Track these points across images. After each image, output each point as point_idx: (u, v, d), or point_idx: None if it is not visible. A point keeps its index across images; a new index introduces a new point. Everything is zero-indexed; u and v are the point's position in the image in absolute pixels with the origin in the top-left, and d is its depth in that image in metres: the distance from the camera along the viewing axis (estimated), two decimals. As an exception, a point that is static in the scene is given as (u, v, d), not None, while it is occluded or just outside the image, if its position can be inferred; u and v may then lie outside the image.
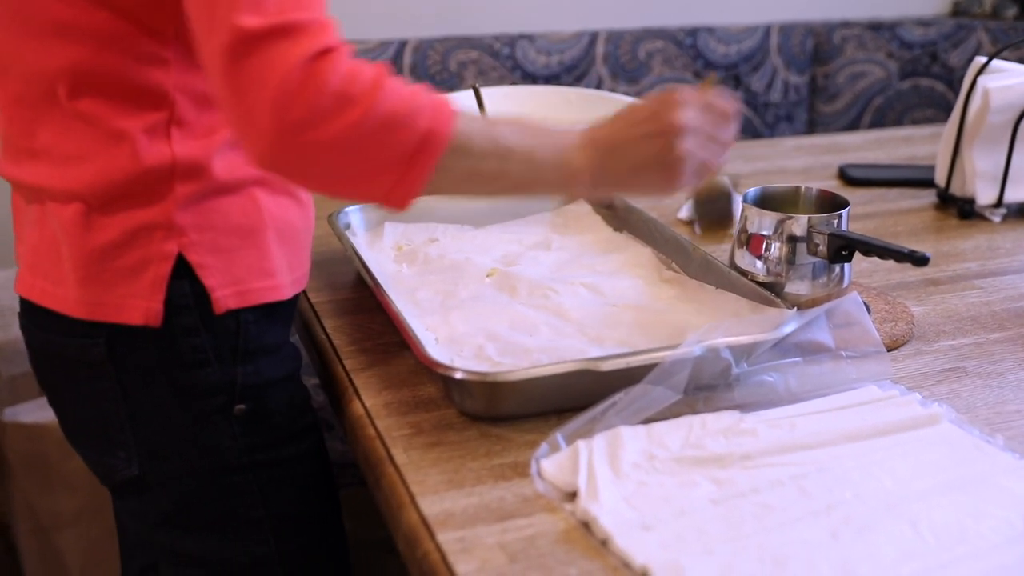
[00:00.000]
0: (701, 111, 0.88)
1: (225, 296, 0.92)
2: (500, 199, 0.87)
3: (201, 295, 0.91)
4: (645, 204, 1.33)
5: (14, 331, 1.67)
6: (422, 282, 1.15)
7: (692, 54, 2.25)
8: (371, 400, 0.95)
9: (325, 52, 0.74)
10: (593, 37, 2.17)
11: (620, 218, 1.30)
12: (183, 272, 0.91)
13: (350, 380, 0.99)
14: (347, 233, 1.21)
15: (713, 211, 1.06)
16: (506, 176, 0.83)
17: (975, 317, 1.14)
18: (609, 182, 0.88)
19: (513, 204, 1.34)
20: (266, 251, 0.95)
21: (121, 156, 0.87)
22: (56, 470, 1.65)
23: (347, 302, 1.17)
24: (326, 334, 1.09)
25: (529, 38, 2.13)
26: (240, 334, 0.94)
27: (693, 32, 2.25)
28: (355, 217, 1.27)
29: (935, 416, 0.90)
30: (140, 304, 0.90)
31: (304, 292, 1.19)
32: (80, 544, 1.69)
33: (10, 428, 1.65)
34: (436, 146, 0.78)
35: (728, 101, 0.91)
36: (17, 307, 0.99)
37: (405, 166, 0.78)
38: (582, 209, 1.35)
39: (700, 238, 1.06)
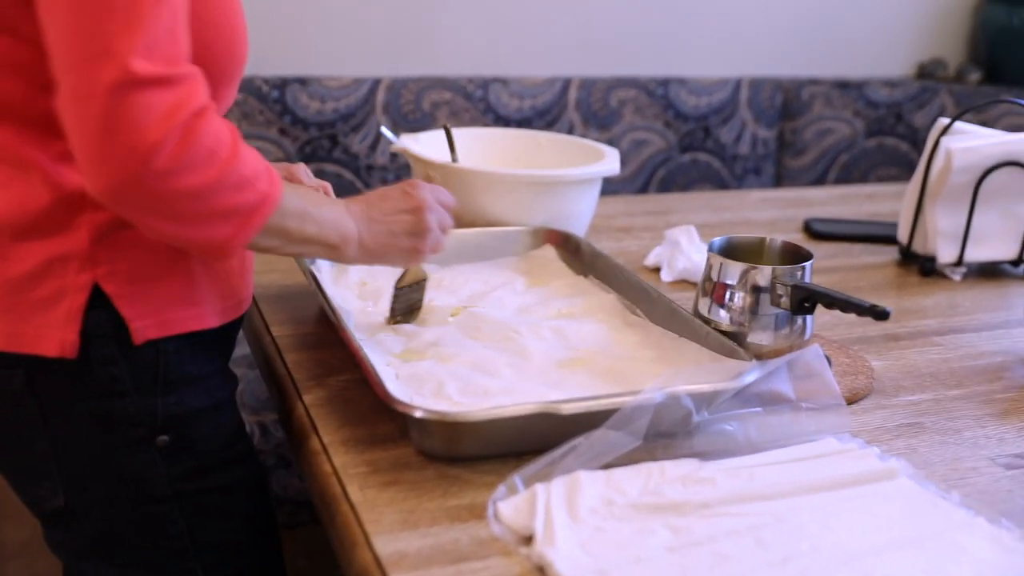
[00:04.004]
0: (434, 196, 1.04)
1: (144, 326, 0.92)
2: (286, 255, 0.99)
3: (119, 325, 0.91)
4: (610, 250, 1.33)
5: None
6: (385, 321, 1.15)
7: (663, 104, 2.27)
8: (329, 436, 0.94)
9: (202, 111, 0.80)
10: (566, 83, 2.19)
11: (585, 263, 1.31)
12: (100, 302, 0.90)
13: (308, 415, 0.98)
14: (312, 268, 1.20)
15: (410, 299, 1.15)
16: (301, 235, 0.92)
17: (934, 373, 1.15)
18: (369, 248, 0.99)
19: (479, 247, 1.34)
20: (190, 280, 0.94)
21: (32, 185, 0.87)
22: (0, 502, 1.61)
23: (310, 336, 1.16)
24: (286, 368, 1.08)
25: (503, 81, 2.14)
26: (160, 364, 0.94)
27: (665, 83, 2.27)
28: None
29: (893, 470, 0.90)
30: (55, 335, 0.89)
31: (265, 325, 1.18)
32: (25, 576, 1.65)
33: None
34: (269, 206, 0.87)
35: (447, 196, 1.07)
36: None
37: (243, 220, 0.85)
38: (548, 254, 1.35)
39: (387, 325, 1.13)
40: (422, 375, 1.00)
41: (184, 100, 0.78)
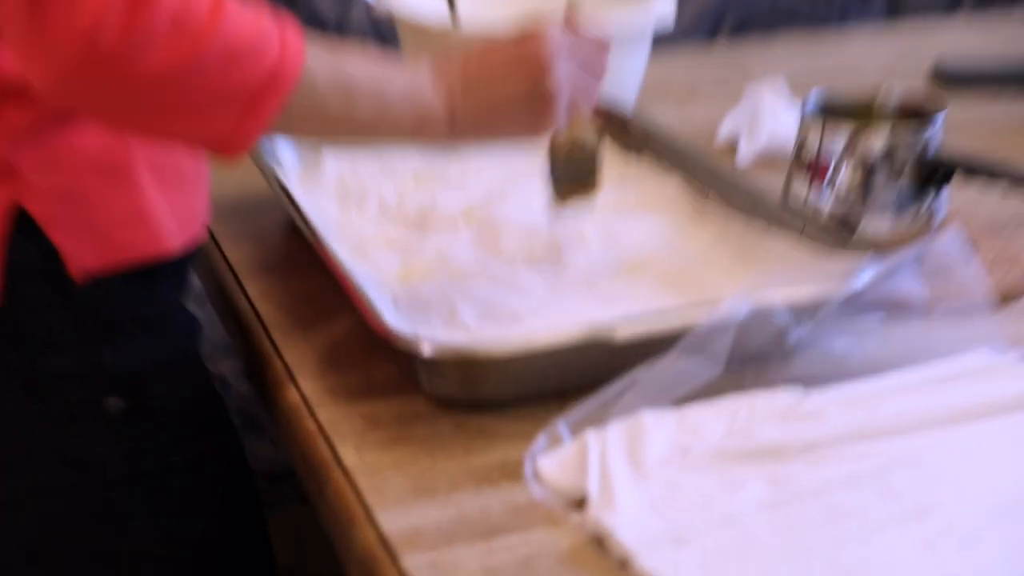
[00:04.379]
0: (570, 40, 0.98)
1: (83, 256, 0.92)
2: (342, 146, 0.97)
3: (51, 256, 0.92)
4: (668, 122, 1.33)
5: None
6: (376, 232, 1.16)
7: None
8: (310, 385, 0.96)
9: None
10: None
11: (636, 139, 1.30)
12: (24, 228, 0.91)
13: (281, 359, 1.00)
14: (275, 167, 1.21)
15: (576, 172, 1.08)
16: (350, 117, 0.90)
17: (1114, 259, 1.15)
18: (468, 125, 0.95)
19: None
20: (138, 193, 0.95)
21: None
22: None
23: (276, 258, 1.17)
24: (249, 301, 1.09)
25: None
26: (107, 304, 0.94)
27: None
28: (286, 147, 1.26)
29: (1061, 389, 0.91)
30: None
31: (216, 244, 1.19)
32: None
33: None
34: (285, 81, 0.84)
35: (599, 30, 1.01)
36: None
37: (247, 105, 0.83)
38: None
39: (555, 208, 1.10)
40: (428, 299, 1.02)
41: None
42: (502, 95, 0.96)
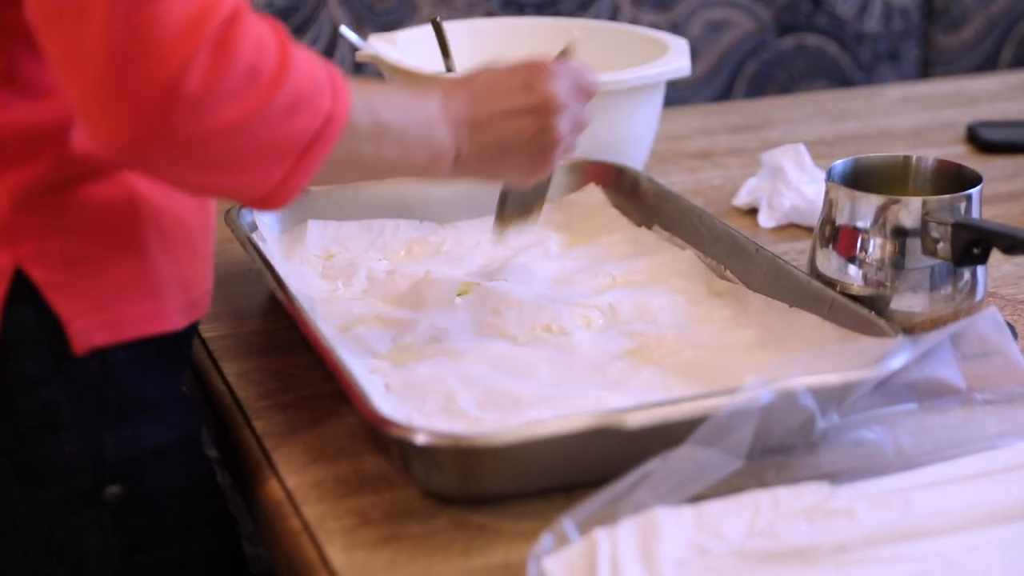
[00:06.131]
0: (569, 85, 1.04)
1: (87, 328, 0.93)
2: (361, 183, 1.05)
3: (52, 327, 0.92)
4: (682, 186, 1.35)
5: None
6: (365, 309, 1.16)
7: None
8: (294, 478, 0.96)
9: (236, 13, 0.81)
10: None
11: (648, 208, 1.32)
12: (24, 294, 0.91)
13: (262, 448, 1.00)
14: (254, 236, 1.22)
15: (525, 199, 1.17)
16: (378, 161, 0.96)
17: None
18: (471, 164, 1.01)
19: (495, 194, 1.35)
20: (146, 261, 0.96)
21: None
22: None
23: (255, 337, 1.18)
24: (227, 384, 1.10)
25: (512, -53, 2.14)
26: (110, 383, 0.95)
27: (750, -66, 2.27)
28: (266, 217, 1.27)
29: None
30: None
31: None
32: None
33: None
34: (335, 130, 0.88)
35: (591, 75, 1.07)
36: None
37: (300, 155, 0.87)
38: (593, 198, 1.36)
39: (497, 231, 1.17)
40: (423, 383, 1.02)
41: (211, 1, 0.80)
42: (508, 136, 1.02)
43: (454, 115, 0.99)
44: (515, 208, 1.17)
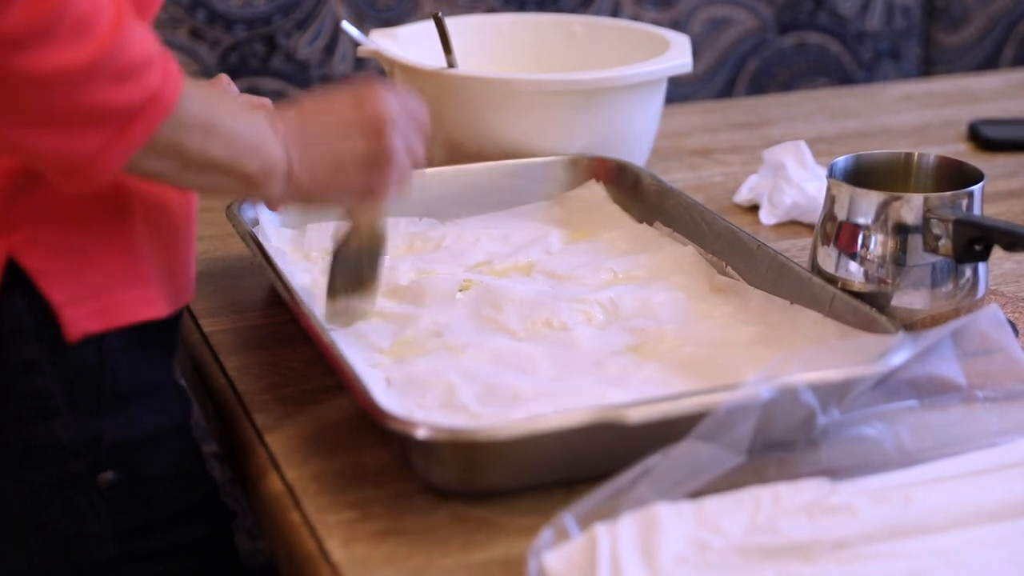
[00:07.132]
0: (400, 107, 1.02)
1: (79, 316, 0.93)
2: (176, 186, 0.99)
3: (44, 315, 0.92)
4: (683, 183, 1.34)
5: None
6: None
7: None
8: (294, 471, 0.96)
9: None
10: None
11: (649, 204, 1.32)
12: (15, 283, 0.92)
13: (263, 443, 1.00)
14: (255, 231, 1.22)
15: (356, 270, 1.12)
16: (204, 157, 0.90)
17: None
18: (305, 182, 0.97)
19: (494, 189, 1.36)
20: (135, 248, 0.96)
21: None
22: None
23: (256, 331, 1.18)
24: (227, 377, 1.10)
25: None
26: (105, 370, 0.96)
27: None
28: (267, 212, 1.27)
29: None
30: None
31: (192, 317, 1.20)
32: None
33: None
34: (161, 110, 0.85)
35: (420, 104, 1.06)
36: None
37: (121, 127, 0.84)
38: (594, 194, 1.37)
39: (329, 313, 1.12)
40: (424, 377, 1.02)
41: None
42: (339, 151, 0.99)
43: (283, 131, 0.96)
44: (346, 277, 1.12)
